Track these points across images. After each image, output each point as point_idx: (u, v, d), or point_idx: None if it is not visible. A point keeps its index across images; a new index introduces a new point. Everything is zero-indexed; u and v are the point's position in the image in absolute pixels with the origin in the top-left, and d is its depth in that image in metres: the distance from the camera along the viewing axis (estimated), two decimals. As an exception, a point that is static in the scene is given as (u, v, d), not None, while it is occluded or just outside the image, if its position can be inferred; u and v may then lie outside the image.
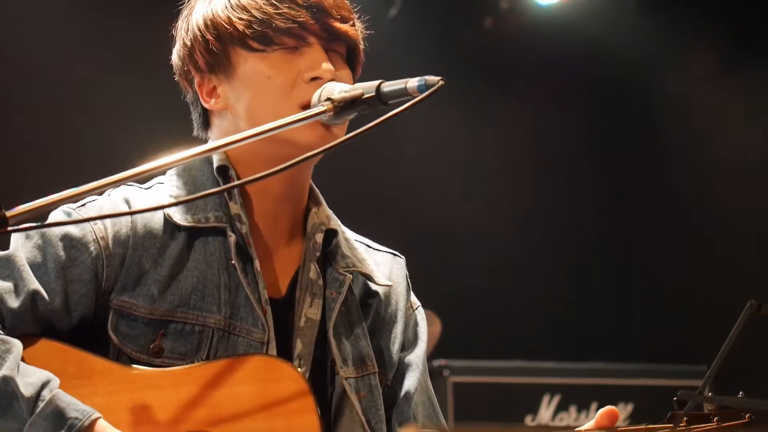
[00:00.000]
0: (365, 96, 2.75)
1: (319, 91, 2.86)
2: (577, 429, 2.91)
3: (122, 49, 6.64)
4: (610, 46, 7.92)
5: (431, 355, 6.59)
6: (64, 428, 2.70)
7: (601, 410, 2.93)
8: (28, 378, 2.75)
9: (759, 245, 7.51)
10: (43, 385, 2.75)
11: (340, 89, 2.81)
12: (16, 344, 2.79)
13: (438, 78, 2.64)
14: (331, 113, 2.76)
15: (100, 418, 2.73)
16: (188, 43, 3.05)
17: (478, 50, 7.87)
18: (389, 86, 2.72)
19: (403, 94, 2.69)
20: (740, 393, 2.92)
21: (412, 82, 2.67)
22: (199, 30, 3.02)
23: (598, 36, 7.85)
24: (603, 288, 8.39)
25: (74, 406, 2.74)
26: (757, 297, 2.55)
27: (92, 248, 2.90)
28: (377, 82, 2.74)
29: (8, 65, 6.68)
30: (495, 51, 7.88)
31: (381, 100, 2.73)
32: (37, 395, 2.73)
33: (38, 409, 2.71)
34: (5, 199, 2.21)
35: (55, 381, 2.77)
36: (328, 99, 2.78)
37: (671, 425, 2.95)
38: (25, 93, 6.72)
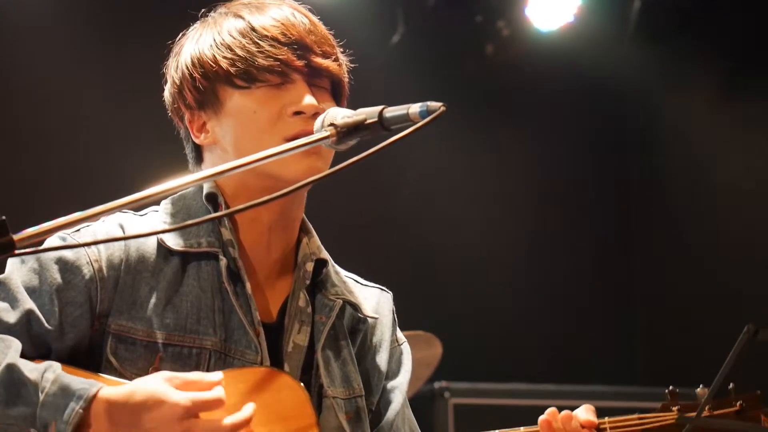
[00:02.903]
0: (368, 121, 2.75)
1: (322, 116, 2.87)
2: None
3: (127, 78, 6.64)
4: (608, 73, 7.93)
5: (432, 377, 6.58)
6: (74, 399, 2.71)
7: (581, 409, 3.00)
8: (31, 365, 2.78)
9: (756, 271, 7.51)
10: (46, 368, 2.77)
11: (344, 115, 2.81)
12: (15, 341, 2.82)
13: (439, 104, 2.64)
14: (334, 138, 2.77)
15: (104, 385, 2.75)
16: (177, 81, 3.09)
17: (479, 76, 7.87)
18: (391, 112, 2.72)
19: (405, 119, 2.69)
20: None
21: (414, 108, 2.67)
22: (187, 68, 3.06)
23: (597, 62, 7.87)
24: (602, 313, 8.38)
25: (79, 380, 2.77)
26: (755, 322, 2.54)
27: (86, 271, 2.92)
28: (380, 108, 2.74)
29: (18, 95, 6.69)
30: (496, 77, 7.89)
31: (383, 126, 2.73)
32: (41, 377, 2.75)
33: (46, 389, 2.73)
34: (12, 224, 2.21)
35: (57, 364, 2.80)
36: (332, 125, 2.79)
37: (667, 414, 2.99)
38: (35, 123, 6.73)
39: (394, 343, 3.27)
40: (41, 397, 2.73)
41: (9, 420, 2.74)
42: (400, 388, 3.23)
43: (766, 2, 7.43)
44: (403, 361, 3.27)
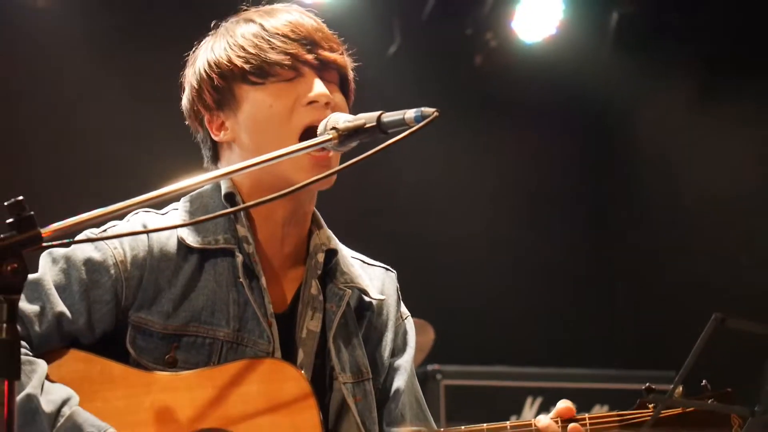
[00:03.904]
0: (367, 125, 2.76)
1: (325, 121, 2.87)
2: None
3: (147, 81, 6.64)
4: (588, 80, 7.92)
5: (425, 361, 6.58)
6: None
7: (560, 402, 2.98)
8: (51, 395, 2.76)
9: (724, 265, 7.51)
10: (64, 402, 2.76)
11: (345, 119, 2.82)
12: (41, 364, 2.81)
13: (433, 110, 2.64)
14: (336, 141, 2.77)
15: (112, 431, 2.75)
16: (196, 85, 3.08)
17: (469, 84, 7.88)
18: (389, 117, 2.72)
19: (401, 124, 2.69)
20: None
21: (410, 113, 2.67)
22: (205, 72, 3.06)
23: (578, 71, 7.86)
24: (583, 303, 8.38)
25: (91, 422, 2.75)
26: (722, 311, 2.54)
27: (113, 271, 2.92)
28: (378, 113, 2.74)
29: (45, 96, 6.69)
30: (485, 85, 7.89)
31: (381, 129, 2.73)
32: (58, 411, 2.74)
33: (58, 425, 2.73)
34: (40, 219, 2.21)
35: (75, 398, 2.79)
36: (334, 128, 2.79)
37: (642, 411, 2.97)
38: (58, 123, 6.73)
39: (399, 319, 3.25)
40: (53, 430, 2.73)
41: None
42: (405, 365, 3.21)
43: (738, 13, 7.42)
44: (407, 339, 3.25)
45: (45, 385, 2.77)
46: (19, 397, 2.68)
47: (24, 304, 2.83)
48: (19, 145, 6.69)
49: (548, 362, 7.29)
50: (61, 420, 2.73)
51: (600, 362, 7.69)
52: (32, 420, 2.72)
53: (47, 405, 2.73)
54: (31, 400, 2.73)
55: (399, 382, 3.18)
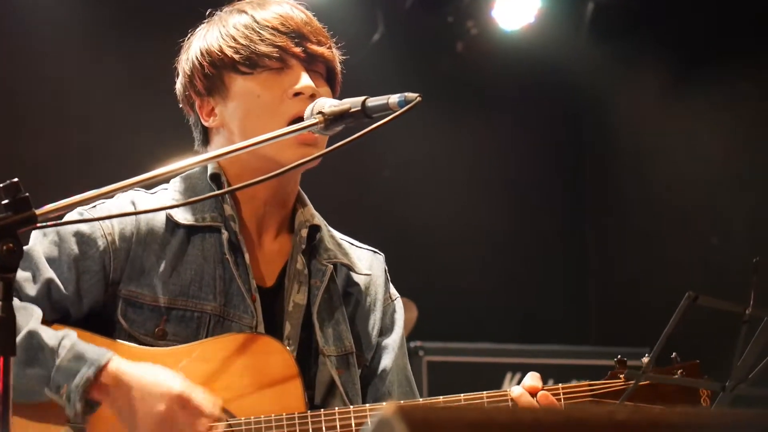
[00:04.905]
0: (352, 110, 2.76)
1: (311, 105, 2.87)
2: (545, 388, 2.95)
3: (138, 67, 6.62)
4: (565, 68, 7.93)
5: (409, 338, 6.59)
6: (85, 365, 2.73)
7: (527, 377, 2.97)
8: (51, 332, 2.79)
9: (695, 246, 7.54)
10: (64, 336, 2.78)
11: (330, 104, 2.82)
12: (37, 310, 2.85)
13: (416, 95, 2.65)
14: (322, 125, 2.77)
15: (115, 355, 2.77)
16: (188, 71, 3.10)
17: (451, 71, 7.88)
18: (373, 101, 2.73)
19: (385, 108, 2.69)
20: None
21: (393, 98, 2.68)
22: (197, 59, 3.08)
23: (555, 59, 7.86)
24: (561, 281, 8.41)
25: (93, 349, 2.79)
26: (694, 290, 2.55)
27: (100, 243, 2.94)
28: (363, 98, 2.75)
29: (39, 82, 6.66)
30: (466, 71, 7.89)
31: (366, 114, 2.73)
32: (59, 344, 2.77)
33: (62, 355, 2.74)
34: (34, 200, 2.22)
35: (73, 333, 2.81)
36: (320, 112, 2.79)
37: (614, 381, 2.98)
38: (54, 109, 6.71)
39: (388, 300, 3.26)
40: (57, 361, 2.75)
41: (25, 378, 2.75)
42: (393, 344, 3.21)
43: (710, 4, 7.43)
44: (396, 319, 3.26)
45: (42, 326, 2.80)
46: (20, 336, 2.72)
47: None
48: (16, 129, 6.66)
49: (527, 339, 7.31)
50: (63, 351, 2.75)
51: (577, 339, 7.72)
52: (35, 355, 2.75)
53: (49, 339, 2.76)
54: (33, 336, 2.76)
55: (386, 361, 3.19)
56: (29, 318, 2.79)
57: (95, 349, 2.78)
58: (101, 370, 2.75)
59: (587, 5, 7.72)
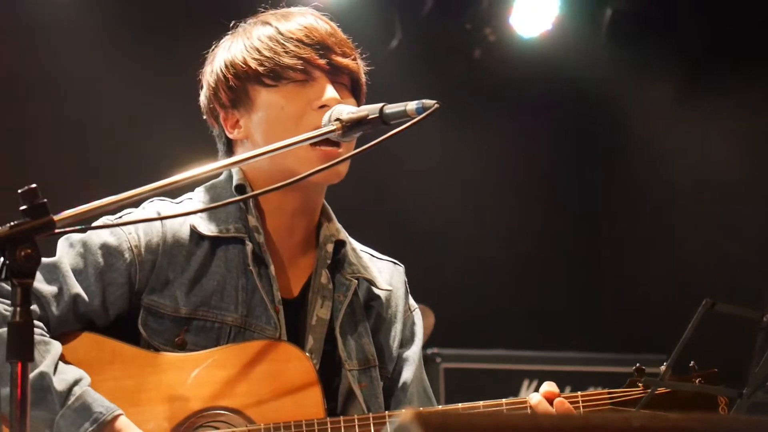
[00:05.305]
0: (370, 117, 2.76)
1: (329, 112, 2.87)
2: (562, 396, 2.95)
3: (160, 74, 6.63)
4: (582, 74, 7.92)
5: (426, 344, 6.58)
6: (89, 421, 2.73)
7: (544, 385, 2.97)
8: (63, 375, 2.78)
9: (712, 252, 7.52)
10: (75, 382, 2.77)
11: (348, 111, 2.82)
12: (56, 345, 2.82)
13: (434, 102, 2.64)
14: (340, 132, 2.77)
15: (122, 414, 2.77)
16: (213, 84, 3.09)
17: (468, 77, 7.88)
18: (391, 108, 2.73)
19: (403, 115, 2.69)
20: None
21: (411, 105, 2.68)
22: (221, 71, 3.06)
23: (572, 65, 7.85)
24: (578, 288, 8.38)
25: (100, 402, 2.77)
26: (711, 296, 2.54)
27: (127, 255, 2.93)
28: (380, 105, 2.75)
29: (60, 88, 6.68)
30: (483, 78, 7.89)
31: (383, 121, 2.73)
32: (69, 390, 2.76)
33: (69, 403, 2.74)
34: (53, 206, 2.21)
35: (86, 379, 2.80)
36: (338, 119, 2.79)
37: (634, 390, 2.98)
38: (72, 111, 6.72)
39: (407, 311, 3.25)
40: (63, 409, 2.74)
41: (30, 418, 2.75)
42: (413, 356, 3.21)
43: (720, 10, 7.43)
44: (415, 330, 3.25)
45: (58, 365, 2.79)
46: (32, 375, 2.70)
47: (42, 286, 2.85)
48: (34, 134, 6.68)
49: (544, 346, 7.29)
50: (72, 399, 2.74)
51: (594, 346, 7.70)
52: (44, 397, 2.75)
53: (59, 384, 2.75)
54: (44, 378, 2.75)
55: (407, 372, 3.19)
56: (45, 355, 2.78)
57: (103, 403, 2.78)
58: (104, 426, 2.75)
59: (605, 11, 7.72)
